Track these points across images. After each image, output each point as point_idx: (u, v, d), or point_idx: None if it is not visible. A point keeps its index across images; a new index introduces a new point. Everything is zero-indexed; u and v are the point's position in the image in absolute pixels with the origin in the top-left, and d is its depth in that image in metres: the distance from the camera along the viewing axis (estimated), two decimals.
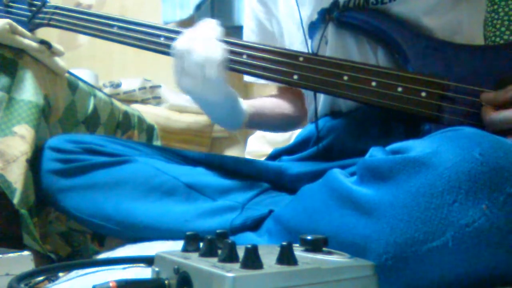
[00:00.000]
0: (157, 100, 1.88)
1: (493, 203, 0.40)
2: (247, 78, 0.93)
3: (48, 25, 0.88)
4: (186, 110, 1.88)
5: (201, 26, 0.73)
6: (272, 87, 1.06)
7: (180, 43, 0.71)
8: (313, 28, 0.79)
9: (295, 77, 0.71)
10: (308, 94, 0.89)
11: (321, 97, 0.81)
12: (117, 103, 1.15)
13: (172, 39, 0.78)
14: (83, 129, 0.98)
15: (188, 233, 0.40)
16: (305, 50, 0.78)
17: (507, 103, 0.59)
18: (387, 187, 0.44)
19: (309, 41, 0.79)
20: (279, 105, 0.95)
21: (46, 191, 0.76)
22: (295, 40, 0.82)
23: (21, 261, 0.61)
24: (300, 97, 0.94)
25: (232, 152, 2.01)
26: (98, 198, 0.73)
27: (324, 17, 0.76)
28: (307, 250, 0.39)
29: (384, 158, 0.46)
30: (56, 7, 0.89)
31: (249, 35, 0.93)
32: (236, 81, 1.06)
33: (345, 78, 0.69)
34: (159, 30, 0.80)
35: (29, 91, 0.79)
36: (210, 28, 0.72)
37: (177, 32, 0.78)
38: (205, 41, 0.69)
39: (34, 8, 0.91)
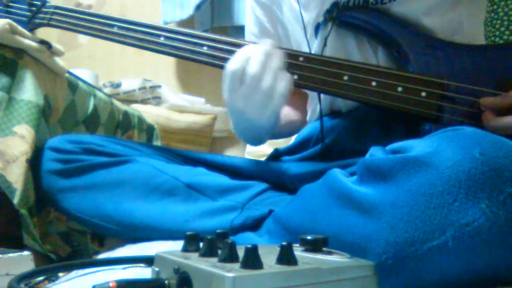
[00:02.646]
0: (157, 100, 1.87)
1: (493, 202, 0.40)
2: None
3: (48, 25, 0.88)
4: (186, 110, 1.88)
5: (262, 49, 0.69)
6: None
7: (237, 63, 0.68)
8: (319, 30, 0.79)
9: (295, 77, 0.71)
10: (309, 94, 0.88)
11: (321, 97, 0.80)
12: (117, 103, 1.15)
13: (172, 39, 0.78)
14: (83, 129, 0.98)
15: (188, 233, 0.40)
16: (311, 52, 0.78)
17: (508, 108, 0.59)
18: (387, 186, 0.44)
19: (315, 42, 0.79)
20: (286, 114, 0.94)
21: (46, 191, 0.76)
22: (302, 42, 0.82)
23: (21, 261, 0.61)
24: (306, 101, 0.93)
25: (232, 152, 2.01)
26: (98, 198, 0.73)
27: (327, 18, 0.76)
28: (307, 250, 0.39)
29: (384, 157, 0.46)
30: (56, 7, 0.89)
31: (252, 39, 0.93)
32: None
33: (345, 78, 0.69)
34: (159, 30, 0.80)
35: (29, 91, 0.79)
36: (276, 55, 0.69)
37: (177, 32, 0.78)
38: (275, 71, 0.68)
39: (34, 8, 0.91)
